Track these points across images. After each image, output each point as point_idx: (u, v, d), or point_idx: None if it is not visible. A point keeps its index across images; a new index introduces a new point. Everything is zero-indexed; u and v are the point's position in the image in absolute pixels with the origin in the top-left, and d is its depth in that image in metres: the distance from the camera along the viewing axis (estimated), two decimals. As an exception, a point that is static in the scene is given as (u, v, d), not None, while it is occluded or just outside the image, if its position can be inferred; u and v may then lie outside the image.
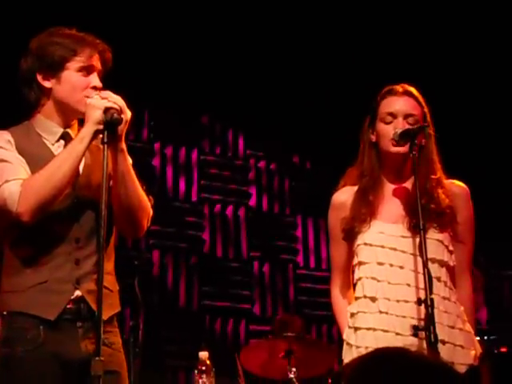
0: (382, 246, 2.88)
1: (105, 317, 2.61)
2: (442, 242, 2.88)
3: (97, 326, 2.43)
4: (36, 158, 2.70)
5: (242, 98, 6.51)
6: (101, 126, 2.62)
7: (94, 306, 2.60)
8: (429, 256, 2.73)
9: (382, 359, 1.55)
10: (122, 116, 2.64)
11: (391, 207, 2.95)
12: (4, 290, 2.72)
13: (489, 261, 5.68)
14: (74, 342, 2.64)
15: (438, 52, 6.10)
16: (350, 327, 2.93)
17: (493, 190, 6.16)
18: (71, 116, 2.81)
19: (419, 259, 2.77)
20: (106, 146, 2.58)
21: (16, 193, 2.60)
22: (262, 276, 6.66)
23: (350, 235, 2.95)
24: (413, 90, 2.99)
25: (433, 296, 2.66)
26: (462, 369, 2.76)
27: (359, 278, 2.93)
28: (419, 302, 2.71)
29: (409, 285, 2.83)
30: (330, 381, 4.80)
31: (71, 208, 2.71)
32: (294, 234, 6.89)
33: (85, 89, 2.75)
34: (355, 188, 3.01)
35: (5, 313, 2.68)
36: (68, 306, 2.66)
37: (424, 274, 2.68)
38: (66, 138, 2.79)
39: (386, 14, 5.92)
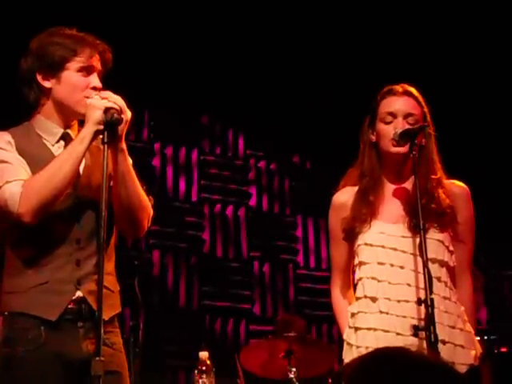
0: (383, 246, 2.88)
1: (106, 317, 2.61)
2: (442, 242, 2.88)
3: (97, 326, 2.43)
4: (36, 159, 2.70)
5: (242, 97, 6.51)
6: (101, 126, 2.62)
7: (95, 307, 2.60)
8: (429, 256, 2.73)
9: (383, 359, 1.55)
10: (122, 116, 2.64)
11: (391, 207, 2.95)
12: (5, 290, 2.72)
13: (489, 261, 5.68)
14: (75, 342, 2.64)
15: (438, 52, 6.09)
16: (350, 327, 2.93)
17: (493, 190, 6.16)
18: (71, 117, 2.81)
19: (419, 259, 2.77)
20: (106, 146, 2.58)
21: (17, 193, 2.60)
22: (262, 276, 6.66)
23: (351, 235, 2.95)
24: (412, 89, 2.99)
25: (433, 296, 2.66)
26: (462, 369, 2.76)
27: (360, 278, 2.93)
28: (419, 301, 2.71)
29: (409, 285, 2.83)
30: (330, 381, 4.81)
31: (72, 209, 2.71)
32: (294, 233, 6.89)
33: (85, 89, 2.75)
34: (355, 188, 3.01)
35: (6, 313, 2.69)
36: (69, 307, 2.66)
37: (424, 273, 2.68)
38: (66, 138, 2.79)
39: (386, 14, 5.92)
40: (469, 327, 2.90)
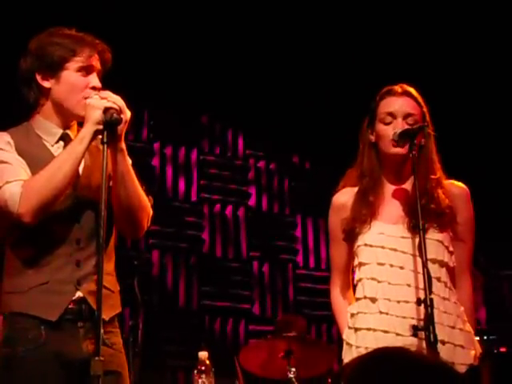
0: (383, 247, 2.88)
1: (106, 317, 2.62)
2: (442, 242, 2.88)
3: (95, 326, 2.43)
4: (36, 160, 2.70)
5: (242, 98, 6.51)
6: (100, 126, 2.62)
7: (95, 307, 2.60)
8: (429, 256, 2.73)
9: (382, 359, 1.54)
10: (122, 116, 2.64)
11: (391, 208, 2.95)
12: (5, 290, 2.72)
13: (488, 261, 5.68)
14: (75, 342, 2.64)
15: (437, 52, 6.09)
16: (350, 328, 2.93)
17: (493, 190, 6.16)
18: (70, 118, 2.81)
19: (419, 260, 2.76)
20: (105, 145, 2.58)
21: (17, 194, 2.60)
22: (262, 276, 6.66)
23: (351, 236, 2.95)
24: (412, 90, 2.99)
25: (432, 296, 2.66)
26: (462, 369, 2.76)
27: (359, 279, 2.93)
28: (419, 302, 2.71)
29: (409, 285, 2.83)
30: (329, 381, 4.81)
31: (72, 209, 2.71)
32: (293, 233, 6.90)
33: (84, 89, 2.75)
34: (355, 189, 3.01)
35: (6, 313, 2.69)
36: (69, 307, 2.66)
37: (423, 274, 2.68)
38: (65, 139, 2.79)
39: (386, 14, 5.92)
40: (468, 327, 2.90)
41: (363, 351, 2.74)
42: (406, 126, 2.89)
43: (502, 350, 4.79)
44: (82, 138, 2.64)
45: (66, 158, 2.64)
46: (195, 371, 3.65)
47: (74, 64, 2.75)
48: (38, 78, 2.76)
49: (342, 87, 6.33)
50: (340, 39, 6.11)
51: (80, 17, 3.92)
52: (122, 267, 2.93)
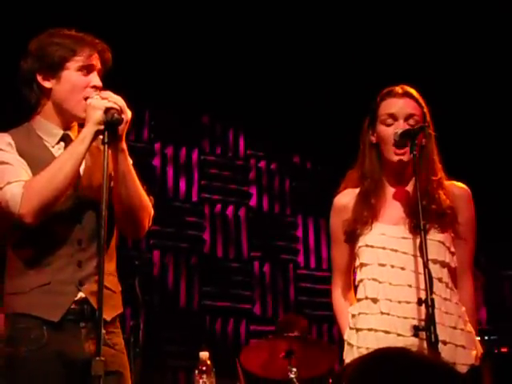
0: (384, 248, 2.88)
1: (108, 318, 2.62)
2: (443, 243, 2.88)
3: (97, 326, 2.43)
4: (37, 160, 2.70)
5: (243, 97, 6.51)
6: (101, 127, 2.62)
7: (97, 307, 2.60)
8: (430, 257, 2.73)
9: (383, 359, 1.55)
10: (123, 116, 2.64)
11: (392, 209, 2.95)
12: (7, 291, 2.72)
13: (489, 261, 5.68)
14: (77, 342, 2.64)
15: (437, 52, 6.09)
16: (351, 328, 2.93)
17: (493, 190, 6.16)
18: (70, 119, 2.81)
19: (420, 260, 2.76)
20: (106, 146, 2.58)
21: (18, 194, 2.60)
22: (263, 276, 6.66)
23: (352, 237, 2.95)
24: (412, 90, 2.99)
25: (434, 296, 2.66)
26: (463, 369, 2.76)
27: (361, 280, 2.93)
28: (420, 302, 2.71)
29: (410, 286, 2.83)
30: (330, 381, 4.81)
31: (73, 209, 2.71)
32: (294, 234, 6.90)
33: (85, 88, 2.75)
34: (356, 190, 3.01)
35: (9, 314, 2.69)
36: (71, 307, 2.66)
37: (425, 274, 2.68)
38: (66, 139, 2.79)
39: (386, 14, 5.92)
40: (470, 327, 2.90)
41: (364, 351, 2.74)
42: (407, 127, 2.89)
43: (503, 350, 4.79)
44: (82, 138, 2.64)
45: (67, 158, 2.64)
46: (196, 371, 3.65)
47: (75, 63, 2.75)
48: (39, 78, 2.77)
49: (342, 87, 6.33)
50: (341, 40, 6.11)
51: (80, 17, 3.92)
52: (123, 267, 2.93)
